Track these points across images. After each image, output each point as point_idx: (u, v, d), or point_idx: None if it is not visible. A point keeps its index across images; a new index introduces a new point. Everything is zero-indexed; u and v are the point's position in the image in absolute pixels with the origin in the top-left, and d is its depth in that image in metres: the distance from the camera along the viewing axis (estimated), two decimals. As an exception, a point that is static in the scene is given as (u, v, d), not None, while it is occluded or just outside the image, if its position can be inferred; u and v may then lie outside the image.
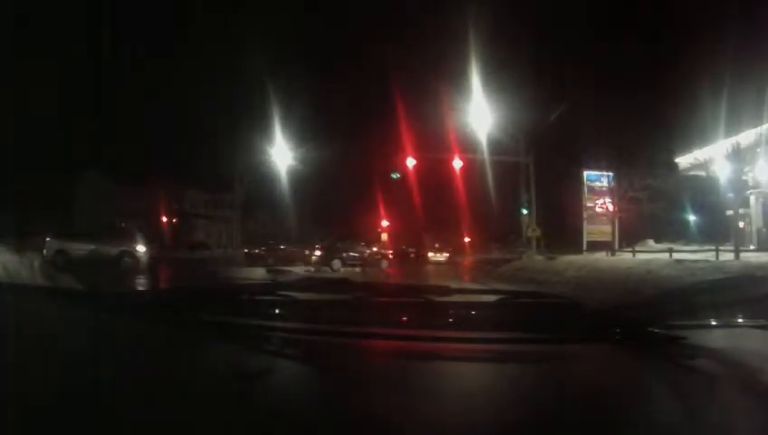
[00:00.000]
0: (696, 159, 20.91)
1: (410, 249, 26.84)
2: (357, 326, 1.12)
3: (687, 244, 20.09)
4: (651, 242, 22.98)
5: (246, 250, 26.23)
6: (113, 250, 17.38)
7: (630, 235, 23.94)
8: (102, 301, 1.47)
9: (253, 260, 23.15)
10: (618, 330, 1.00)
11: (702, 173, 20.69)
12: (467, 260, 29.96)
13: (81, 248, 16.78)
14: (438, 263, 30.35)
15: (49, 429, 0.67)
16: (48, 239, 16.99)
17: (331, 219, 36.29)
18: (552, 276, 13.34)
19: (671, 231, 23.40)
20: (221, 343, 1.03)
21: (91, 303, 1.44)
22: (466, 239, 39.08)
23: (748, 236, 19.97)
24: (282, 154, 23.56)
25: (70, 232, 18.50)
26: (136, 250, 18.04)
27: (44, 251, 16.38)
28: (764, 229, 19.86)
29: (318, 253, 21.72)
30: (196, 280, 12.22)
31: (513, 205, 23.28)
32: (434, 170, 22.66)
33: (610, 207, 25.16)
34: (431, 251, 35.71)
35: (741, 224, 19.52)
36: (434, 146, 21.16)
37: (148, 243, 19.42)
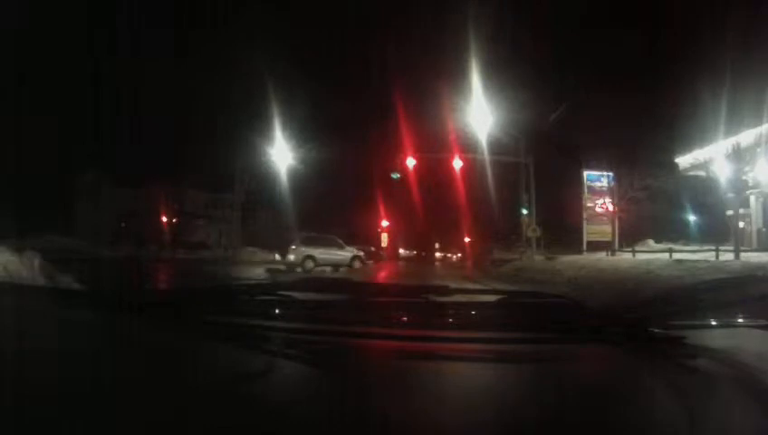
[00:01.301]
0: (695, 159, 20.90)
1: (422, 253, 27.80)
2: (357, 326, 1.12)
3: (687, 244, 20.08)
4: (651, 242, 22.95)
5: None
6: (348, 254, 20.15)
7: (630, 235, 23.91)
8: (102, 300, 1.47)
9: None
10: (618, 330, 1.00)
11: (702, 173, 20.66)
12: (468, 260, 30.09)
13: (324, 253, 19.16)
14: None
15: (48, 429, 0.66)
16: (293, 247, 19.23)
17: (331, 220, 36.36)
18: (552, 276, 13.38)
19: (671, 231, 23.36)
20: (220, 342, 1.03)
21: (91, 302, 1.44)
22: (466, 239, 39.13)
23: (748, 236, 19.96)
24: (282, 154, 23.67)
25: (312, 237, 20.36)
26: (361, 254, 21.24)
27: (291, 256, 18.80)
28: (764, 229, 19.86)
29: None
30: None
31: (513, 205, 23.32)
32: (434, 170, 22.76)
33: (610, 207, 25.13)
34: (435, 252, 36.16)
35: (741, 224, 19.48)
36: (434, 146, 21.24)
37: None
